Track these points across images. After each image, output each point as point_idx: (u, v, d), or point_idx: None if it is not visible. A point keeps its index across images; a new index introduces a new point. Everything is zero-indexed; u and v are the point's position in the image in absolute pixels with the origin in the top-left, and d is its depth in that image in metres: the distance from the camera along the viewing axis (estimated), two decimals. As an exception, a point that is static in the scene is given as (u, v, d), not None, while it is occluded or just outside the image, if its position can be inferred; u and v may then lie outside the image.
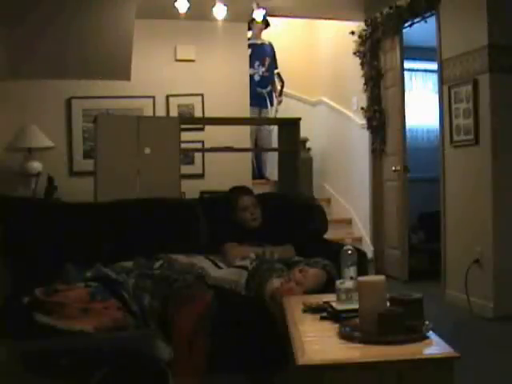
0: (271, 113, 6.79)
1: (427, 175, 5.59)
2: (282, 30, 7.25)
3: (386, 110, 5.72)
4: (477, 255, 4.25)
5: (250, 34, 6.60)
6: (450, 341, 1.82)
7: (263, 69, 6.67)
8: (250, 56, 6.51)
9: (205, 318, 2.55)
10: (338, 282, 2.31)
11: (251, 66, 6.54)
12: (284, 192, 5.02)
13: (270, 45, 6.82)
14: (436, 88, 5.04)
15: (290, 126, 5.05)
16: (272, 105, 6.80)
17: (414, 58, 6.06)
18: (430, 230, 5.62)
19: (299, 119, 4.97)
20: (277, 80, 6.88)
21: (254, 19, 6.44)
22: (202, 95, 5.90)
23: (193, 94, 5.88)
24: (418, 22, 5.11)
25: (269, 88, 6.75)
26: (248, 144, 6.10)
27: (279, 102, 6.89)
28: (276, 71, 6.85)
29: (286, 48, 7.20)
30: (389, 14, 5.37)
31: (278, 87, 6.88)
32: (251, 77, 6.49)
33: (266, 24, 6.63)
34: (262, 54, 6.70)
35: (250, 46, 6.52)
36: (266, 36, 6.84)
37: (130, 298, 2.55)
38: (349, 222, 6.43)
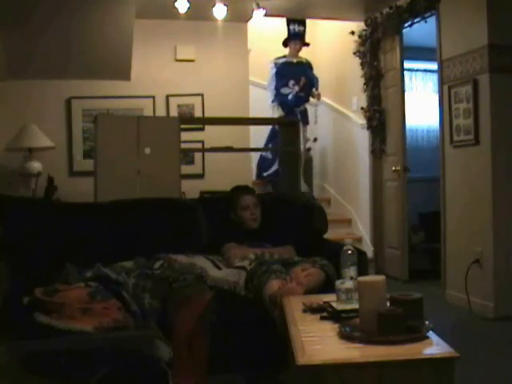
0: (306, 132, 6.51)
1: (427, 175, 5.60)
2: (283, 30, 7.24)
3: (386, 109, 5.72)
4: (477, 255, 4.25)
5: (286, 51, 6.54)
6: (450, 341, 1.82)
7: (297, 88, 6.44)
8: (285, 74, 6.40)
9: (204, 319, 2.55)
10: (338, 282, 2.31)
11: (285, 84, 6.43)
12: (284, 192, 5.02)
13: (308, 64, 6.63)
14: (436, 88, 5.05)
15: (290, 126, 5.05)
16: (305, 124, 6.51)
17: (414, 58, 6.07)
18: (430, 230, 5.62)
19: (299, 119, 4.97)
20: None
21: (289, 37, 6.45)
22: (201, 95, 5.90)
23: (193, 93, 5.89)
24: (418, 21, 5.11)
25: (302, 107, 6.50)
26: (248, 144, 6.10)
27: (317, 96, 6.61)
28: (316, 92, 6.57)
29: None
30: (389, 13, 5.38)
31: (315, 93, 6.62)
32: (285, 96, 6.40)
33: (304, 43, 6.52)
34: (297, 74, 6.49)
35: (284, 64, 6.44)
36: (268, 38, 6.83)
37: (129, 298, 2.55)
38: (349, 222, 6.43)
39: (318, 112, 6.86)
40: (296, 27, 6.46)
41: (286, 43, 6.54)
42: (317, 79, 6.65)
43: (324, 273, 2.81)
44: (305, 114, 6.56)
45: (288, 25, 6.51)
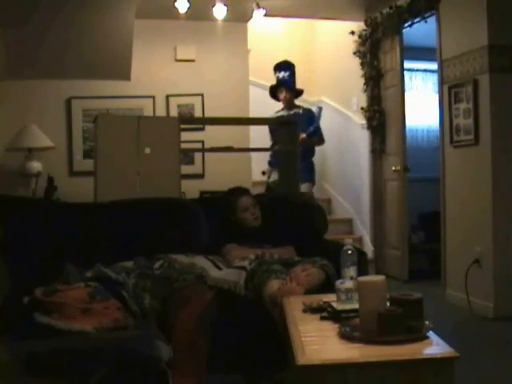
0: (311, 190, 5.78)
1: (427, 175, 5.60)
2: (282, 30, 7.25)
3: (386, 110, 5.72)
4: (477, 255, 4.25)
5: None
6: (450, 341, 1.82)
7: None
8: (277, 131, 5.43)
9: (205, 318, 2.55)
10: (338, 282, 2.31)
11: (277, 142, 5.43)
12: (284, 192, 5.02)
13: (306, 114, 5.68)
14: (436, 88, 5.05)
15: (289, 126, 5.05)
16: (309, 181, 5.70)
17: (414, 58, 6.07)
18: (430, 230, 5.63)
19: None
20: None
21: (277, 85, 5.59)
22: (201, 95, 5.90)
23: (193, 94, 5.88)
24: (418, 21, 5.11)
25: (301, 165, 5.16)
26: (248, 144, 6.10)
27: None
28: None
29: (286, 48, 7.19)
30: (389, 13, 5.38)
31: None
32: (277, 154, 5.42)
33: (293, 90, 5.67)
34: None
35: (277, 119, 5.59)
36: (268, 38, 6.80)
37: (129, 298, 2.55)
38: (349, 222, 6.43)
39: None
40: (281, 74, 5.69)
41: (273, 93, 5.74)
42: (317, 128, 5.69)
43: (324, 272, 2.81)
44: (307, 170, 5.66)
45: (274, 73, 5.77)
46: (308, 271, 2.77)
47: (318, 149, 7.14)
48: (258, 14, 5.39)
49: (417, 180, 5.68)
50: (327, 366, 1.73)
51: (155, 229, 3.27)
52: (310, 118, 5.70)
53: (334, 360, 1.77)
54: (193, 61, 5.92)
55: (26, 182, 5.21)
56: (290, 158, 5.00)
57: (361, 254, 2.79)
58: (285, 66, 5.75)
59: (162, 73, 5.81)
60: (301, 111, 5.76)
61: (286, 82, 5.68)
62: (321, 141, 5.90)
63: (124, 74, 5.54)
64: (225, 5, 5.27)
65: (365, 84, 5.87)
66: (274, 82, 6.48)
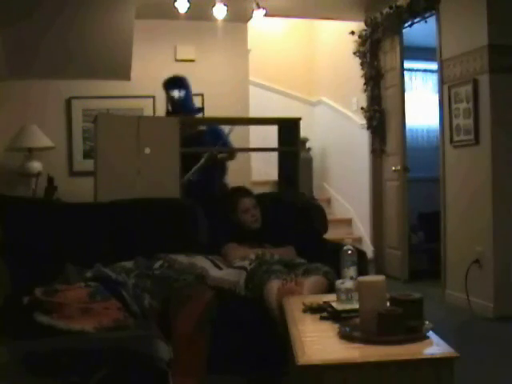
0: None
1: (427, 175, 5.59)
2: (282, 30, 7.25)
3: (386, 110, 5.72)
4: (477, 255, 4.25)
5: None
6: (450, 341, 1.82)
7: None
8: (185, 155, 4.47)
9: (205, 319, 2.55)
10: (338, 282, 2.31)
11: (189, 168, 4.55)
12: (284, 192, 5.01)
13: (214, 130, 4.85)
14: (436, 88, 5.05)
15: (290, 126, 5.04)
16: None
17: (414, 58, 6.07)
18: (430, 230, 5.62)
19: (299, 119, 4.96)
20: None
21: (173, 108, 4.75)
22: (202, 95, 5.90)
23: (193, 94, 5.87)
24: (418, 21, 5.11)
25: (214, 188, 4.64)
26: (248, 144, 6.10)
27: None
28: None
29: (286, 48, 7.20)
30: (389, 14, 5.38)
31: None
32: (192, 182, 4.58)
33: (194, 111, 4.91)
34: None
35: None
36: (268, 38, 6.80)
37: (130, 298, 2.55)
38: (349, 222, 6.44)
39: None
40: (176, 93, 4.77)
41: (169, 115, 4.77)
42: (226, 144, 4.83)
43: (327, 281, 2.79)
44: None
45: (166, 91, 4.84)
46: (299, 285, 2.66)
47: (317, 149, 7.17)
48: (258, 13, 5.39)
49: (417, 180, 5.67)
50: (327, 366, 1.73)
51: (155, 229, 3.27)
52: (217, 135, 4.84)
53: (334, 360, 1.76)
54: (193, 61, 5.92)
55: (26, 182, 5.20)
56: (290, 159, 5.00)
57: (361, 254, 2.78)
58: (179, 83, 4.84)
59: (162, 73, 5.79)
60: (205, 128, 4.92)
61: (184, 105, 4.80)
62: (231, 155, 4.97)
63: (124, 73, 5.54)
64: (225, 5, 5.27)
65: (365, 84, 5.86)
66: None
